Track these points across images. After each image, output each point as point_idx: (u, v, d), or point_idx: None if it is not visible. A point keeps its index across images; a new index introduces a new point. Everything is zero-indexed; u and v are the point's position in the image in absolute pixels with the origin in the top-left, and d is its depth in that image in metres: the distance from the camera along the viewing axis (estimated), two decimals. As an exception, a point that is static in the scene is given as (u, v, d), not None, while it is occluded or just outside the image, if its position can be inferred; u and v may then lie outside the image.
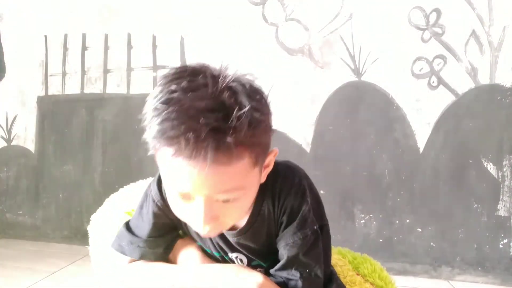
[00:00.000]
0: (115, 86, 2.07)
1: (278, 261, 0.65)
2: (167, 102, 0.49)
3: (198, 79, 0.51)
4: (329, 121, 1.82)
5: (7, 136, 2.23)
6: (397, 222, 1.76)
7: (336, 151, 1.81)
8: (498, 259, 1.66)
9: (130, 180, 1.10)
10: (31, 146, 2.20)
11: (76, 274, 1.73)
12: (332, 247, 0.75)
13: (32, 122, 2.19)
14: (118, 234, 0.75)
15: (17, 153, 2.22)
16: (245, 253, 0.68)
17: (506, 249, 1.66)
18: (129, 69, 2.05)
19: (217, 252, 0.71)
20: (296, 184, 0.64)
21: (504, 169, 1.66)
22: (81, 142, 2.12)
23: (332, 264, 0.78)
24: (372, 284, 0.86)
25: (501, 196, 1.66)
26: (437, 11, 1.69)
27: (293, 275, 0.63)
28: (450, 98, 1.70)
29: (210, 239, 0.70)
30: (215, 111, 0.48)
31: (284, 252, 0.64)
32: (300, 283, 0.62)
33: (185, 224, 0.70)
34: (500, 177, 1.66)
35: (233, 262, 0.70)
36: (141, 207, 0.72)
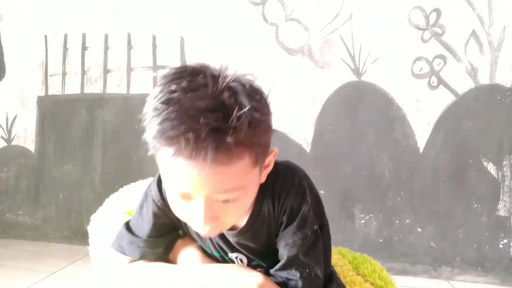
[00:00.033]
0: (115, 86, 2.07)
1: (278, 261, 0.65)
2: (167, 102, 0.49)
3: (198, 79, 0.51)
4: (329, 121, 1.82)
5: (7, 136, 2.23)
6: (397, 222, 1.76)
7: (336, 151, 1.81)
8: (498, 259, 1.66)
9: (130, 180, 1.10)
10: (31, 146, 2.20)
11: (76, 274, 1.73)
12: (332, 247, 0.75)
13: (32, 122, 2.19)
14: (118, 234, 0.75)
15: (17, 153, 2.22)
16: (245, 253, 0.68)
17: (506, 249, 1.66)
18: (129, 69, 2.05)
19: (217, 252, 0.71)
20: (296, 184, 0.64)
21: (504, 169, 1.66)
22: (81, 142, 2.12)
23: (332, 264, 0.78)
24: (372, 284, 0.86)
25: (501, 196, 1.66)
26: (437, 11, 1.69)
27: (293, 275, 0.63)
28: (450, 98, 1.70)
29: (210, 239, 0.70)
30: (215, 111, 0.48)
31: (284, 252, 0.64)
32: (300, 283, 0.62)
33: (185, 224, 0.70)
34: (500, 177, 1.66)
35: (233, 262, 0.70)
36: (141, 207, 0.72)
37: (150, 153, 0.54)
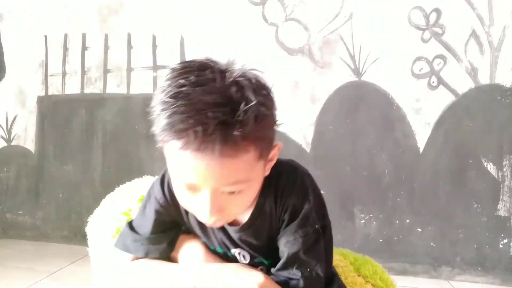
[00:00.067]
0: (115, 86, 2.07)
1: (280, 258, 0.65)
2: (175, 96, 0.50)
3: (206, 74, 0.52)
4: (329, 121, 1.82)
5: (7, 136, 2.23)
6: (397, 222, 1.76)
7: (336, 151, 1.81)
8: (498, 259, 1.66)
9: (130, 180, 1.10)
10: (31, 146, 2.20)
11: (76, 274, 1.73)
12: (334, 248, 0.75)
13: (32, 122, 2.19)
14: (121, 233, 0.75)
15: (17, 153, 2.22)
16: (248, 249, 0.69)
17: (506, 249, 1.66)
18: (129, 69, 2.04)
19: (220, 248, 0.71)
20: (299, 183, 0.65)
21: (504, 169, 1.66)
22: (81, 142, 2.12)
23: (333, 265, 0.78)
24: (373, 286, 0.86)
25: (501, 196, 1.66)
26: (437, 11, 1.69)
27: (294, 274, 0.62)
28: (450, 98, 1.70)
29: (214, 236, 0.70)
30: (223, 106, 0.49)
31: (284, 250, 0.64)
32: (301, 282, 0.62)
33: (188, 221, 0.71)
34: (500, 177, 1.66)
35: (236, 258, 0.70)
36: (144, 207, 0.72)
37: (158, 145, 0.56)
